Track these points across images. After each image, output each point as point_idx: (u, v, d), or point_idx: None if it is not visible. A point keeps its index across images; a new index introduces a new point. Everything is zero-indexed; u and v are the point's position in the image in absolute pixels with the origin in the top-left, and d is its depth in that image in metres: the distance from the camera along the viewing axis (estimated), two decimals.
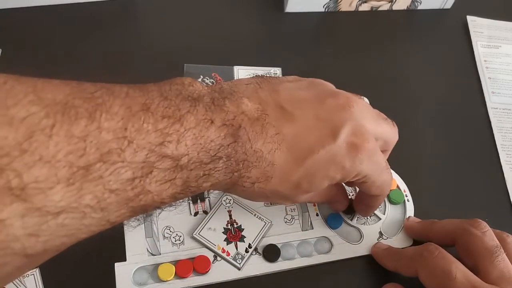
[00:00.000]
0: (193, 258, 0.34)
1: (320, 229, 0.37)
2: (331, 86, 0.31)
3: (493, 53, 0.52)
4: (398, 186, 0.40)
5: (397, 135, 0.32)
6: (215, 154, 0.24)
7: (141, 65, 0.45)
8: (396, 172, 0.40)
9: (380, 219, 0.38)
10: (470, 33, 0.53)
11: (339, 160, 0.27)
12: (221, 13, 0.51)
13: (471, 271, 0.30)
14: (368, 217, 0.38)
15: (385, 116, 0.32)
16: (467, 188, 0.42)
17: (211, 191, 0.37)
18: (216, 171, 0.25)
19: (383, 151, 0.31)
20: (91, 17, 0.48)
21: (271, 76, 0.30)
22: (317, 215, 0.37)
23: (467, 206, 0.40)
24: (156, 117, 0.22)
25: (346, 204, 0.36)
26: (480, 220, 0.33)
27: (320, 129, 0.27)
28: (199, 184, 0.24)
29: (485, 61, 0.51)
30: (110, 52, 0.46)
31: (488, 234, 0.32)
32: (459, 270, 0.30)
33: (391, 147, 0.32)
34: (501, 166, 0.43)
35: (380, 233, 0.37)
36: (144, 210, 0.23)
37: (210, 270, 0.34)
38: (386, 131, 0.31)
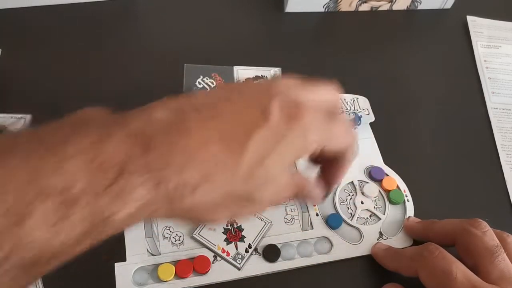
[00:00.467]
0: (193, 258, 0.34)
1: (320, 229, 0.37)
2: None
3: (493, 53, 0.52)
4: (398, 186, 0.40)
5: (337, 93, 0.29)
6: (122, 170, 0.20)
7: (141, 65, 0.45)
8: (396, 172, 0.40)
9: (380, 219, 0.38)
10: (470, 33, 0.53)
11: (282, 136, 0.25)
12: (221, 13, 0.51)
13: (471, 271, 0.30)
14: (368, 217, 0.38)
15: (315, 81, 0.28)
16: (467, 188, 0.42)
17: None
18: (132, 190, 0.21)
19: (332, 113, 0.28)
20: (92, 17, 0.48)
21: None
22: (317, 215, 0.37)
23: (467, 206, 0.40)
24: (27, 151, 0.19)
25: (321, 188, 0.31)
26: (480, 220, 0.33)
27: (249, 114, 0.24)
28: (114, 212, 0.20)
29: (485, 61, 0.51)
30: (110, 52, 0.46)
31: (488, 234, 0.32)
32: (460, 270, 0.30)
33: (336, 105, 0.29)
34: (501, 166, 0.43)
35: (380, 233, 0.37)
36: (36, 264, 0.19)
37: (210, 270, 0.34)
38: (322, 95, 0.28)
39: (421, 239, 0.36)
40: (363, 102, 0.45)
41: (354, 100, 0.45)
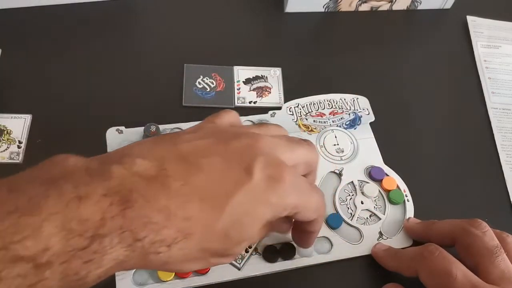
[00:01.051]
0: None
1: (320, 229, 0.37)
2: (232, 127, 0.29)
3: (493, 53, 0.52)
4: (398, 186, 0.40)
5: (317, 154, 0.30)
6: (97, 232, 0.20)
7: (141, 65, 0.45)
8: (396, 172, 0.40)
9: (380, 219, 0.38)
10: (470, 33, 0.53)
11: (263, 197, 0.25)
12: (221, 13, 0.51)
13: (471, 271, 0.30)
14: (368, 217, 0.38)
15: (298, 139, 0.29)
16: (467, 188, 0.42)
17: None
18: (107, 251, 0.21)
19: (308, 173, 0.30)
20: (92, 17, 0.48)
21: (168, 133, 0.27)
22: None
23: (467, 206, 0.40)
24: (1, 213, 0.19)
25: (290, 224, 0.32)
26: (480, 220, 0.33)
27: (232, 171, 0.25)
28: (88, 272, 0.20)
29: (485, 61, 0.51)
30: (110, 52, 0.46)
31: (488, 234, 0.32)
32: (460, 270, 0.30)
33: (315, 166, 0.30)
34: (501, 166, 0.43)
35: (380, 233, 0.37)
36: None
37: (210, 270, 0.34)
38: (303, 154, 0.29)
39: (421, 239, 0.36)
40: (363, 102, 0.45)
41: (354, 100, 0.45)
